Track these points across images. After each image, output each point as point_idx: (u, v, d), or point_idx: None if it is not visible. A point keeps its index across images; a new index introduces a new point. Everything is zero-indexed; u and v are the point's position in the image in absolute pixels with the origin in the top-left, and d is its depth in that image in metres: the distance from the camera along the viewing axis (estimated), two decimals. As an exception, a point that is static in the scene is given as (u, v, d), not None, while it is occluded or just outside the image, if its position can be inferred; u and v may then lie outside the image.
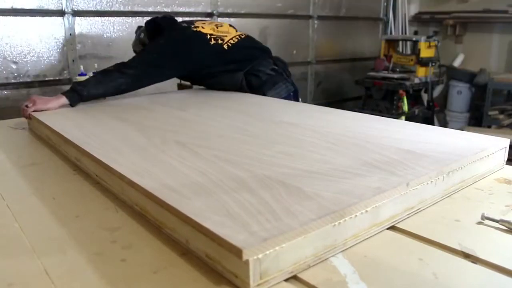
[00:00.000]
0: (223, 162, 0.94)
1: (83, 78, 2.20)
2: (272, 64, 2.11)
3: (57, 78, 2.58)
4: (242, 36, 2.11)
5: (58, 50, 2.56)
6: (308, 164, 0.92)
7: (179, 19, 3.08)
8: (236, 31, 2.18)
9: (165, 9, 2.97)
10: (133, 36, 2.83)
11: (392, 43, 4.35)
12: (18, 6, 2.38)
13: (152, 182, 0.82)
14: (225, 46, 2.01)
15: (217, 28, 2.08)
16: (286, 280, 0.62)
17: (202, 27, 2.02)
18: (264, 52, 2.17)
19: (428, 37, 4.11)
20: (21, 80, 2.45)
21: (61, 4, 2.52)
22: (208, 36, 2.00)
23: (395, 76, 3.98)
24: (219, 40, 2.02)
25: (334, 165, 0.91)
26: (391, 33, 4.70)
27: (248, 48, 2.11)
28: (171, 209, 0.72)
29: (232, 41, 2.04)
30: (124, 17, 2.79)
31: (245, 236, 0.60)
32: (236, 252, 0.58)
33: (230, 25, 2.22)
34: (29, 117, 1.54)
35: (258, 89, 2.02)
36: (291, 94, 2.11)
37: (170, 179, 0.83)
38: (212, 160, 0.96)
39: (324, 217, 0.66)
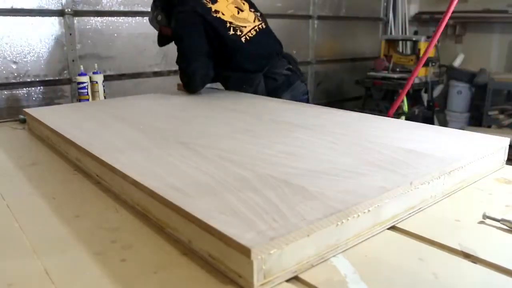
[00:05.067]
0: (226, 162, 0.94)
1: (83, 78, 2.21)
2: (287, 62, 1.95)
3: (57, 78, 2.58)
4: (261, 27, 1.92)
5: (58, 50, 2.56)
6: (311, 163, 0.92)
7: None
8: (256, 15, 1.97)
9: (165, 9, 2.97)
10: (133, 36, 2.83)
11: (392, 43, 4.35)
12: (18, 6, 2.38)
13: (156, 181, 0.81)
14: (243, 39, 1.84)
15: (237, 13, 1.88)
16: (287, 280, 0.62)
17: (223, 13, 1.84)
18: (280, 48, 2.01)
19: (428, 37, 4.10)
20: (21, 80, 2.45)
21: (61, 4, 2.51)
22: (228, 25, 1.83)
23: (395, 76, 3.97)
24: (238, 31, 1.84)
25: (337, 165, 0.91)
26: (391, 33, 4.70)
27: (265, 44, 1.93)
28: (176, 208, 0.71)
29: (250, 34, 1.86)
30: (124, 17, 2.79)
31: (253, 235, 0.60)
32: (244, 251, 0.57)
33: (251, 6, 2.00)
34: None
35: (274, 92, 1.88)
36: (305, 96, 1.98)
37: (173, 178, 0.83)
38: (215, 159, 0.96)
39: (330, 216, 0.66)
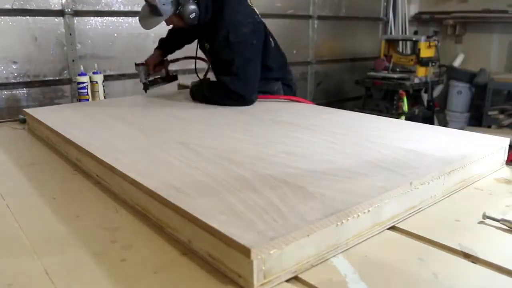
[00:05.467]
0: (226, 162, 0.94)
1: (83, 78, 2.21)
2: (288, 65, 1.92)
3: (57, 78, 2.58)
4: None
5: (58, 50, 2.56)
6: (311, 163, 0.92)
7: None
8: None
9: (165, 9, 2.97)
10: (133, 36, 2.82)
11: (392, 43, 4.35)
12: (18, 6, 2.38)
13: (156, 181, 0.81)
14: (273, 44, 1.76)
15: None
16: (287, 280, 0.62)
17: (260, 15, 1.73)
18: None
19: (428, 37, 4.10)
20: (21, 80, 2.45)
21: (61, 4, 2.51)
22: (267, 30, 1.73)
23: (395, 76, 3.97)
24: (270, 36, 1.75)
25: (337, 165, 0.91)
26: (391, 33, 4.69)
27: (278, 47, 1.83)
28: (176, 208, 0.71)
29: (272, 38, 1.77)
30: (124, 17, 2.79)
31: (253, 235, 0.60)
32: (244, 251, 0.57)
33: None
34: None
35: None
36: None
37: (173, 178, 0.83)
38: (215, 159, 0.96)
39: (330, 216, 0.66)
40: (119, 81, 2.79)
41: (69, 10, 2.54)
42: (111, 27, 2.75)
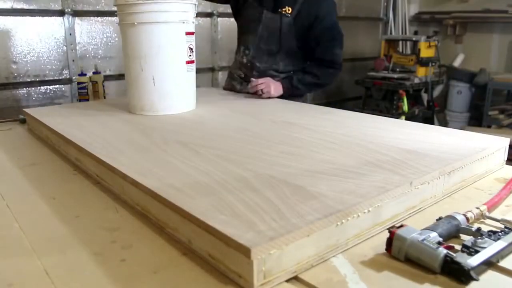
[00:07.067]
0: (226, 162, 0.94)
1: (83, 78, 2.21)
2: None
3: (57, 78, 2.58)
4: None
5: (58, 50, 2.56)
6: (311, 163, 0.92)
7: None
8: None
9: (165, 9, 2.97)
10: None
11: (392, 43, 4.35)
12: (18, 6, 2.38)
13: (155, 181, 0.81)
14: None
15: None
16: (287, 280, 0.62)
17: None
18: None
19: (428, 37, 4.10)
20: (21, 80, 2.45)
21: (61, 4, 2.51)
22: None
23: (395, 76, 3.97)
24: None
25: (337, 165, 0.91)
26: (391, 33, 4.70)
27: None
28: (176, 208, 0.71)
29: None
30: (124, 17, 2.78)
31: (252, 235, 0.60)
32: (244, 251, 0.57)
33: None
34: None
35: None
36: None
37: (173, 178, 0.83)
38: (214, 160, 0.96)
39: (330, 216, 0.66)
40: (119, 81, 2.79)
41: (69, 10, 2.54)
42: (111, 27, 2.75)
